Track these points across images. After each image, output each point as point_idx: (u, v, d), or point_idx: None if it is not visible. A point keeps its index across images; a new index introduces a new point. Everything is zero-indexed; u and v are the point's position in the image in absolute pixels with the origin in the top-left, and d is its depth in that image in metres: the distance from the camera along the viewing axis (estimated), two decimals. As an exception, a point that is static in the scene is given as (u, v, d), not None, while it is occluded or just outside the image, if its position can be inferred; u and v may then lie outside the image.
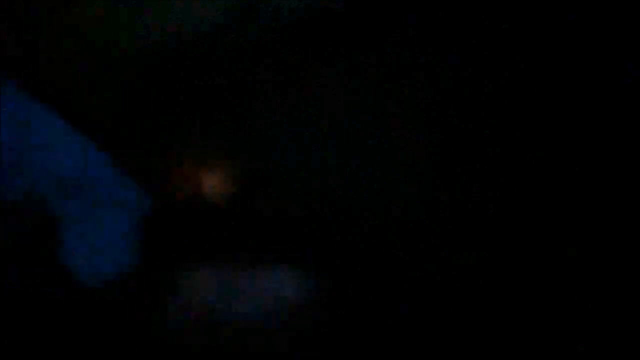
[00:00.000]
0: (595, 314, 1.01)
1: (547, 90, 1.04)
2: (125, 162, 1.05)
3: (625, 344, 0.99)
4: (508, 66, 1.05)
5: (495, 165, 1.04)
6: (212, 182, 1.05)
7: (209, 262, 1.02)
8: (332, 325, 1.01)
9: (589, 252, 1.02)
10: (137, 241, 1.04)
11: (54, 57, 1.06)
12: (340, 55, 1.05)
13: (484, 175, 1.04)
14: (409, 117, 1.04)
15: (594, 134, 1.03)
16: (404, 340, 1.01)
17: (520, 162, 1.03)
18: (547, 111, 1.04)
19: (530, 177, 1.03)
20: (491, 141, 1.04)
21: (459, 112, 1.04)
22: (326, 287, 1.02)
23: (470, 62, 1.04)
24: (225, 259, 1.02)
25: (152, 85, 1.05)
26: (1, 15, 1.05)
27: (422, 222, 1.03)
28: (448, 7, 1.05)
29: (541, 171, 1.03)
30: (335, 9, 1.05)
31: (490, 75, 1.04)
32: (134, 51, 1.05)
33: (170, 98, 1.05)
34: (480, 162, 1.04)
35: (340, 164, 1.04)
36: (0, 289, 1.01)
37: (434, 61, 1.04)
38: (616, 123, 1.03)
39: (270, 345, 0.99)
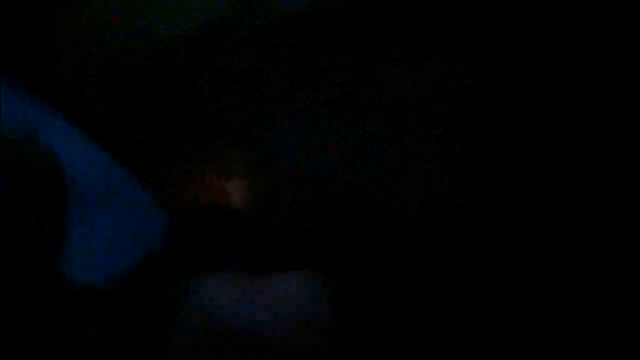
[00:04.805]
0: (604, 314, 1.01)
1: (560, 88, 1.04)
2: (139, 167, 1.05)
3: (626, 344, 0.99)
4: (515, 63, 1.05)
5: (503, 163, 1.03)
6: (221, 186, 1.05)
7: (223, 268, 1.02)
8: (347, 330, 1.01)
9: (604, 252, 1.02)
10: (145, 244, 1.04)
11: (60, 59, 1.06)
12: (344, 55, 1.05)
13: (492, 173, 1.03)
14: (415, 117, 1.04)
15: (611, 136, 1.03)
16: (419, 342, 1.01)
17: (530, 159, 1.03)
18: (567, 110, 1.04)
19: (539, 175, 1.03)
20: (499, 140, 1.04)
21: (464, 110, 1.04)
22: (341, 293, 1.01)
23: (473, 60, 1.04)
24: (239, 265, 1.02)
25: (161, 91, 1.06)
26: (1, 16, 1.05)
27: (431, 226, 1.03)
28: (448, 6, 1.05)
29: (553, 169, 1.03)
30: (335, 8, 1.05)
31: (499, 70, 1.04)
32: (146, 55, 1.05)
33: (180, 105, 1.06)
34: (489, 160, 1.03)
35: (349, 166, 1.04)
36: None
37: (438, 58, 1.04)
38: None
39: (280, 347, 0.99)
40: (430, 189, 1.03)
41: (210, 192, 1.05)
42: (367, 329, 1.01)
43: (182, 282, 1.01)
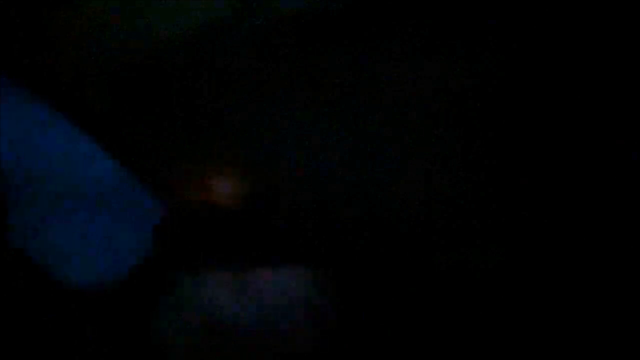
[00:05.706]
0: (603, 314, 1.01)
1: (560, 88, 1.04)
2: (139, 167, 1.05)
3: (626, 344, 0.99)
4: (515, 63, 1.04)
5: (503, 163, 1.03)
6: (221, 186, 1.05)
7: (223, 268, 1.02)
8: (347, 330, 1.01)
9: (607, 252, 1.02)
10: (145, 243, 1.04)
11: (60, 59, 1.06)
12: (344, 55, 1.05)
13: (492, 173, 1.03)
14: (415, 117, 1.04)
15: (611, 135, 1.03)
16: (419, 342, 1.01)
17: (530, 159, 1.03)
18: (567, 110, 1.04)
19: (539, 175, 1.03)
20: (499, 140, 1.04)
21: (464, 110, 1.04)
22: (341, 292, 1.01)
23: (473, 60, 1.04)
24: (239, 264, 1.02)
25: (161, 91, 1.06)
26: (1, 16, 1.05)
27: (431, 226, 1.03)
28: (448, 6, 1.05)
29: (554, 169, 1.03)
30: (335, 8, 1.05)
31: (500, 70, 1.04)
32: (146, 55, 1.05)
33: (180, 105, 1.06)
34: (489, 160, 1.03)
35: (349, 166, 1.04)
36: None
37: (438, 58, 1.04)
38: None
39: (280, 346, 0.99)
40: (430, 189, 1.03)
41: (210, 192, 1.05)
42: (367, 328, 1.01)
43: (182, 282, 1.01)
